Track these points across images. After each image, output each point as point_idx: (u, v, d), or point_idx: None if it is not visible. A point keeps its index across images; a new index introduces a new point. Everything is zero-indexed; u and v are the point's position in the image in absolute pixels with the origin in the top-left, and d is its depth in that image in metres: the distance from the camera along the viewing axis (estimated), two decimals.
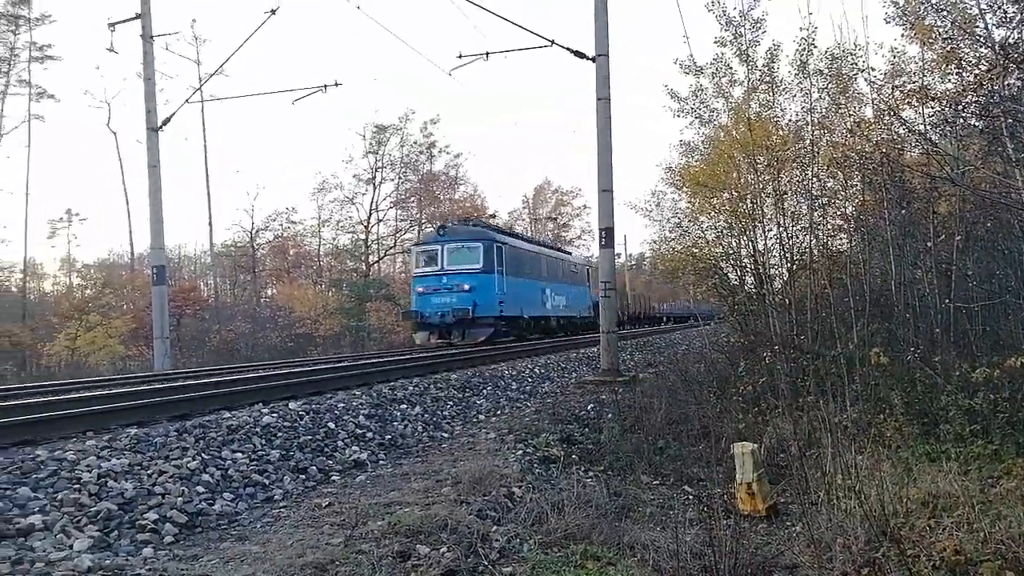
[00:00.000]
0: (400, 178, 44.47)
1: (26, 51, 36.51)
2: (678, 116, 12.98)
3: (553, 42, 14.14)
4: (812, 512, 4.59)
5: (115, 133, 45.24)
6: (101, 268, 46.04)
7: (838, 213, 10.71)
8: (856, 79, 10.23)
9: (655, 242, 17.85)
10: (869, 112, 10.25)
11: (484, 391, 10.87)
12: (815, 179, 9.99)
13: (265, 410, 7.15)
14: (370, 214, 43.04)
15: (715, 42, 11.33)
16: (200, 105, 33.93)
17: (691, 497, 5.77)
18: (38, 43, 36.92)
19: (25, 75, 36.68)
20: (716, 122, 12.81)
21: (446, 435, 8.00)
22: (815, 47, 10.02)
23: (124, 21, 16.73)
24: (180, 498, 4.77)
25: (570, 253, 35.77)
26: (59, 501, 4.35)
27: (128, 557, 3.89)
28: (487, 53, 15.28)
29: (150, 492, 4.76)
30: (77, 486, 4.56)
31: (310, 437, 6.64)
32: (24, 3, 35.50)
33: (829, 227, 10.57)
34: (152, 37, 17.36)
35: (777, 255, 10.59)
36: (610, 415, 9.06)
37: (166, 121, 17.51)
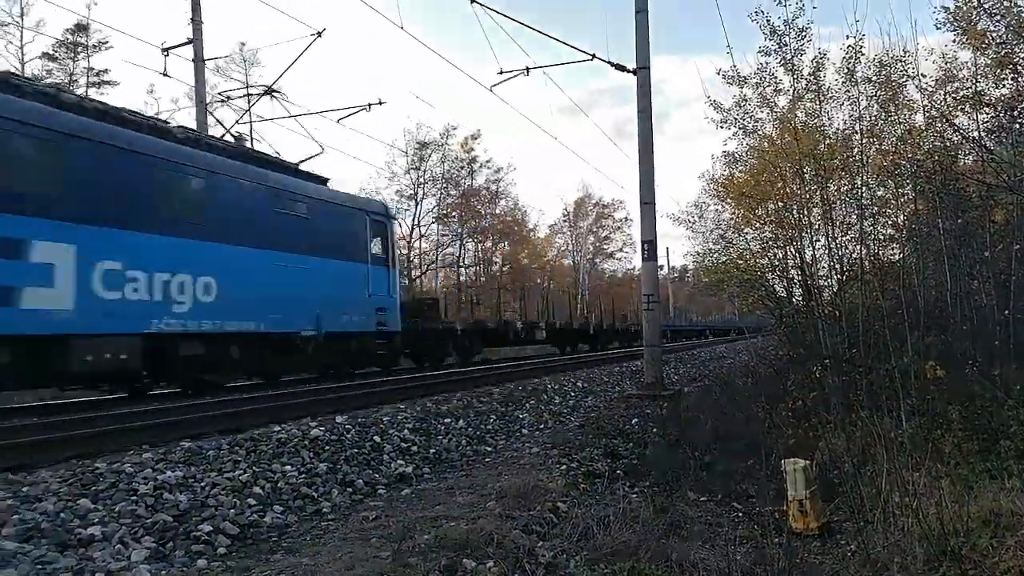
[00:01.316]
0: (442, 193, 45.05)
1: (84, 77, 38.09)
2: (721, 127, 12.84)
3: (594, 56, 14.21)
4: (867, 531, 4.46)
5: None
6: None
7: (889, 223, 10.44)
8: (906, 86, 10.00)
9: (699, 254, 17.60)
10: (920, 119, 10.00)
11: (527, 405, 10.86)
12: (864, 188, 9.76)
13: (313, 424, 7.26)
14: (412, 229, 43.61)
15: (759, 51, 11.19)
16: (249, 126, 34.82)
17: (740, 514, 5.66)
18: (95, 69, 38.50)
19: None
20: (760, 132, 12.63)
21: (490, 449, 8.00)
22: (863, 54, 9.83)
23: (177, 46, 17.31)
24: (232, 510, 4.87)
25: (325, 182, 14.90)
26: (117, 512, 4.48)
27: (183, 568, 3.98)
28: (527, 68, 15.40)
29: (203, 504, 4.87)
30: (134, 498, 4.69)
31: (356, 450, 6.72)
32: (82, 31, 37.04)
33: (880, 237, 10.30)
34: (204, 61, 17.93)
35: (826, 266, 10.37)
36: (655, 430, 8.96)
37: None
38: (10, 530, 3.96)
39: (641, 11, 13.50)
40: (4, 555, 3.66)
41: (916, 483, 4.69)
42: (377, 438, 7.20)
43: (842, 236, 9.92)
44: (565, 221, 59.14)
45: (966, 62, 9.43)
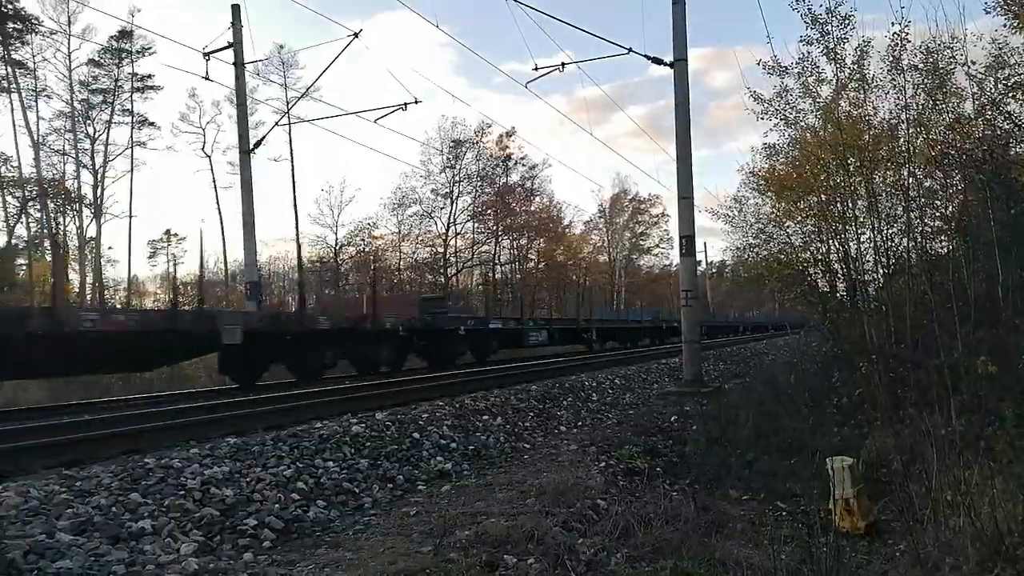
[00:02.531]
0: (477, 191, 45.16)
1: (128, 83, 39.02)
2: (761, 119, 12.59)
3: (630, 50, 14.08)
4: (917, 530, 4.34)
5: (209, 156, 47.02)
6: (197, 285, 48.39)
7: (938, 214, 10.15)
8: (954, 73, 9.68)
9: (738, 249, 17.32)
10: (969, 107, 9.68)
11: (564, 402, 10.83)
12: (911, 179, 9.49)
13: (354, 420, 7.35)
14: (448, 227, 43.81)
15: (801, 41, 10.95)
16: (288, 127, 35.35)
17: (784, 513, 5.56)
18: (139, 74, 39.41)
19: (128, 104, 39.18)
20: (803, 123, 12.36)
21: (528, 446, 8.00)
22: (908, 41, 9.54)
23: (218, 50, 17.59)
24: (277, 505, 4.96)
25: None
26: (166, 507, 4.59)
27: (230, 561, 4.06)
28: (562, 64, 15.34)
29: (249, 499, 4.96)
30: (182, 492, 4.80)
31: (396, 447, 6.78)
32: (126, 37, 37.96)
33: (928, 229, 10.02)
34: (244, 64, 18.23)
35: (871, 260, 10.12)
36: (695, 427, 8.86)
37: (258, 143, 18.37)
38: (65, 523, 4.09)
39: (678, 2, 13.34)
40: (60, 547, 3.77)
41: (968, 481, 4.55)
42: (416, 434, 7.25)
43: (888, 228, 9.67)
44: (601, 217, 58.82)
45: (1018, 47, 9.12)
